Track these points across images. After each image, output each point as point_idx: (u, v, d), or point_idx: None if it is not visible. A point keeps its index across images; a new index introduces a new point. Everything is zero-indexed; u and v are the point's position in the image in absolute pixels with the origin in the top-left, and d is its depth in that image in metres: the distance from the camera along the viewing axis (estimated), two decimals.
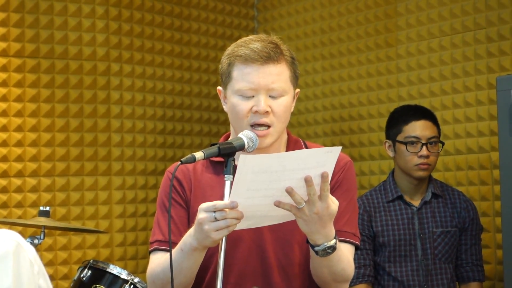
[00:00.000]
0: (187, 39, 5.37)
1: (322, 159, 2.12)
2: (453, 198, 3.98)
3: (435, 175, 4.23)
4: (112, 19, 4.90)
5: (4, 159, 4.42)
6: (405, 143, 3.87)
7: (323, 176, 2.12)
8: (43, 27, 4.60)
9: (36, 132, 4.55)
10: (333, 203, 2.20)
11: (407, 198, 3.95)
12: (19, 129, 4.48)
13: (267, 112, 2.43)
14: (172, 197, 2.56)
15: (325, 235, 2.24)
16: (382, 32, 5.04)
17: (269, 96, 2.45)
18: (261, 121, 2.44)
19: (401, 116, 3.96)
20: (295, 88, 2.56)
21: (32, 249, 1.49)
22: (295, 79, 2.55)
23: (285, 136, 2.63)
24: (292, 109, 2.56)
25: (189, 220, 2.55)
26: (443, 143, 3.96)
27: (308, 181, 2.11)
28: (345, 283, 2.48)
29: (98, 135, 4.81)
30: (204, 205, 2.18)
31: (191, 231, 2.27)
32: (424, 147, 3.85)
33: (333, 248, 2.28)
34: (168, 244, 2.32)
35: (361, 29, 5.16)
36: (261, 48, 2.46)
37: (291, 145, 2.62)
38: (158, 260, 2.51)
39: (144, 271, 4.86)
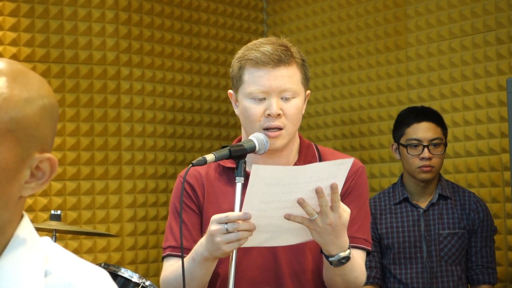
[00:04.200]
0: (197, 43, 5.38)
1: (334, 171, 2.12)
2: (463, 200, 3.95)
3: (445, 177, 4.22)
4: (121, 23, 4.91)
5: None
6: (406, 146, 3.87)
7: (332, 187, 2.12)
8: (53, 32, 4.62)
9: None
10: (345, 212, 2.19)
11: (413, 200, 3.94)
12: None
13: (279, 115, 2.43)
14: (184, 202, 2.56)
15: (340, 246, 2.24)
16: (392, 35, 5.03)
17: (281, 98, 2.45)
18: (274, 125, 2.43)
19: (404, 118, 3.96)
20: (306, 90, 2.55)
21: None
22: (306, 81, 2.54)
23: (297, 140, 2.62)
24: (303, 111, 2.56)
25: (202, 225, 2.55)
26: (446, 145, 3.94)
27: (319, 192, 2.11)
28: None
29: (108, 139, 4.82)
30: (216, 217, 2.17)
31: (202, 241, 2.28)
32: (426, 149, 3.83)
33: (347, 258, 2.28)
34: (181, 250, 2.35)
35: (370, 31, 5.16)
36: (272, 51, 2.46)
37: (304, 150, 2.61)
38: (171, 267, 2.52)
39: (154, 274, 4.88)
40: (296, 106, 2.47)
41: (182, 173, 2.58)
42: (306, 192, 2.12)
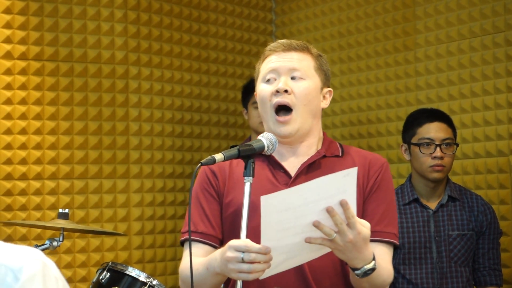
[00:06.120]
0: (205, 43, 5.38)
1: (341, 184, 2.09)
2: (471, 202, 3.96)
3: (453, 178, 4.22)
4: (130, 22, 4.92)
5: (23, 161, 4.44)
6: (419, 145, 3.88)
7: (342, 204, 2.09)
8: (62, 30, 4.62)
9: (54, 135, 4.56)
10: (364, 227, 2.17)
11: (423, 201, 3.94)
12: (38, 132, 4.50)
13: (286, 91, 2.49)
14: (206, 189, 2.61)
15: (364, 259, 2.23)
16: (401, 36, 5.03)
17: (291, 78, 2.53)
18: (283, 101, 2.49)
19: (416, 119, 3.98)
20: (322, 81, 2.61)
21: (54, 265, 1.50)
22: (322, 73, 2.61)
23: (321, 136, 2.65)
24: (324, 106, 2.62)
25: (222, 212, 2.58)
26: (457, 145, 3.95)
27: (330, 211, 2.08)
28: None
29: (116, 138, 4.83)
30: (235, 243, 2.15)
31: (217, 256, 2.27)
32: (438, 148, 3.85)
33: (372, 270, 2.26)
34: (199, 235, 2.48)
35: (379, 32, 5.15)
36: (286, 42, 2.60)
37: (326, 143, 2.64)
38: (187, 259, 2.50)
39: (162, 273, 4.88)
40: (306, 87, 2.53)
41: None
42: (318, 212, 2.09)
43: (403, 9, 5.02)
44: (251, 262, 2.09)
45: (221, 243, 2.56)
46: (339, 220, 2.10)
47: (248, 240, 2.14)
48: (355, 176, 2.11)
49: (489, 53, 4.55)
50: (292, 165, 2.57)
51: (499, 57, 4.50)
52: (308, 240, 2.13)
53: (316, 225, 2.10)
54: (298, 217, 2.08)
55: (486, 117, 4.54)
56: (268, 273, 2.16)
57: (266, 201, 2.04)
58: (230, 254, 2.13)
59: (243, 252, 2.10)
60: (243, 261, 2.10)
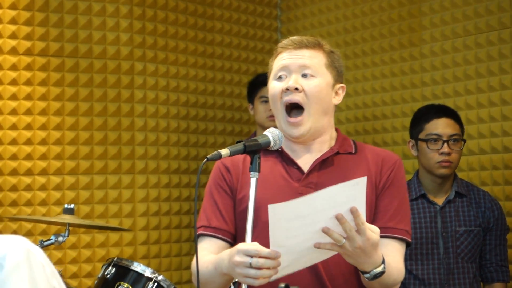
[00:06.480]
0: (211, 38, 5.38)
1: (351, 193, 2.09)
2: (478, 198, 3.96)
3: (459, 174, 4.21)
4: (136, 18, 4.91)
5: (29, 157, 4.44)
6: (426, 140, 3.88)
7: (352, 211, 2.09)
8: (67, 26, 4.62)
9: (60, 130, 4.57)
10: (374, 233, 2.17)
11: (430, 197, 3.94)
12: (43, 127, 4.50)
13: (297, 89, 2.49)
14: (219, 185, 2.61)
15: (373, 263, 2.24)
16: (406, 32, 5.02)
17: (302, 76, 2.53)
18: (293, 99, 2.50)
19: (423, 115, 3.98)
20: (334, 77, 2.60)
21: (40, 251, 1.49)
22: (334, 69, 2.61)
23: (334, 131, 2.66)
24: (336, 102, 2.61)
25: (235, 206, 2.59)
26: (465, 141, 3.95)
27: (340, 219, 2.09)
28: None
29: (122, 133, 4.83)
30: (244, 247, 2.14)
31: (224, 257, 2.26)
32: (446, 144, 3.85)
33: (382, 273, 2.27)
34: (212, 230, 2.49)
35: (385, 28, 5.14)
36: (298, 39, 2.60)
37: (340, 139, 2.65)
38: (200, 255, 2.49)
39: (167, 269, 4.88)
40: (317, 84, 2.52)
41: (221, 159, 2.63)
42: (327, 219, 2.09)
43: (409, 5, 5.01)
44: (259, 268, 2.09)
45: (234, 238, 2.57)
46: (349, 227, 2.11)
47: (257, 243, 2.13)
48: (364, 185, 2.11)
49: (495, 49, 4.54)
50: (305, 161, 2.58)
51: (504, 53, 4.49)
52: (317, 246, 2.14)
53: (326, 231, 2.10)
54: (307, 224, 2.09)
55: (492, 113, 4.53)
56: (275, 276, 2.15)
57: (274, 210, 2.04)
58: (238, 258, 2.12)
59: (252, 257, 2.09)
60: (250, 266, 2.09)
